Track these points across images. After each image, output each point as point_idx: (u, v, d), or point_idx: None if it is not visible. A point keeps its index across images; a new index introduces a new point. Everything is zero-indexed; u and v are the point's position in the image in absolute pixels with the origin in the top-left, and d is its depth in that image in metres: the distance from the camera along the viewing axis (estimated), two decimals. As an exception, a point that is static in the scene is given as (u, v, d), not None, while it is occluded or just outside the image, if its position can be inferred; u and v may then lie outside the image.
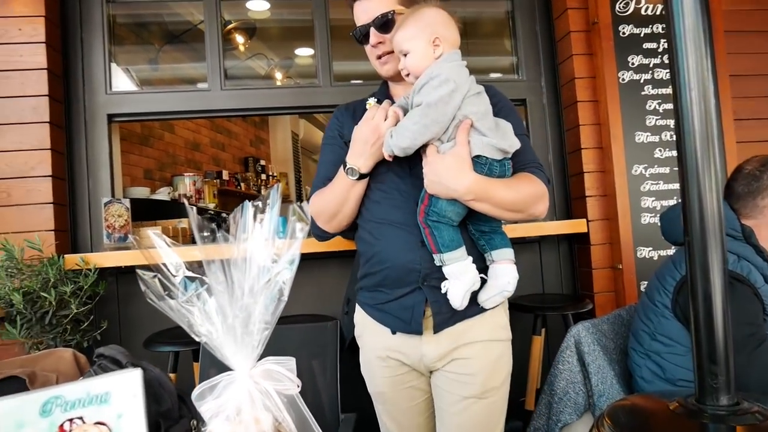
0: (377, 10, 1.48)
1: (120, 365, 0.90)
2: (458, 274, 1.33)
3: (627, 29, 2.92)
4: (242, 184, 6.34)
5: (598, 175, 2.92)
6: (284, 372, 0.79)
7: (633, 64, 2.91)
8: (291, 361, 0.81)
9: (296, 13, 3.60)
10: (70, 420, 0.74)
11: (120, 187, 2.96)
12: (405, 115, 1.37)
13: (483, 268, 1.43)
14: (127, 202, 2.68)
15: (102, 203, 2.64)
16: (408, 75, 1.41)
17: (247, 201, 0.86)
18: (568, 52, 2.98)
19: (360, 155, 1.42)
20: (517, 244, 3.10)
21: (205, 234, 3.07)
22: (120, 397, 0.77)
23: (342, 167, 1.46)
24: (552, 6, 3.13)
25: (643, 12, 2.93)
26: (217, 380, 0.78)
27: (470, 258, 1.36)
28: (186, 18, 3.64)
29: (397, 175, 1.46)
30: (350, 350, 1.76)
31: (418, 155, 1.40)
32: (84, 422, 0.75)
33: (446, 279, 1.36)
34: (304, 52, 4.55)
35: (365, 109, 1.49)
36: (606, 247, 2.90)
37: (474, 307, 1.42)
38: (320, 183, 1.56)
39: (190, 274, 0.83)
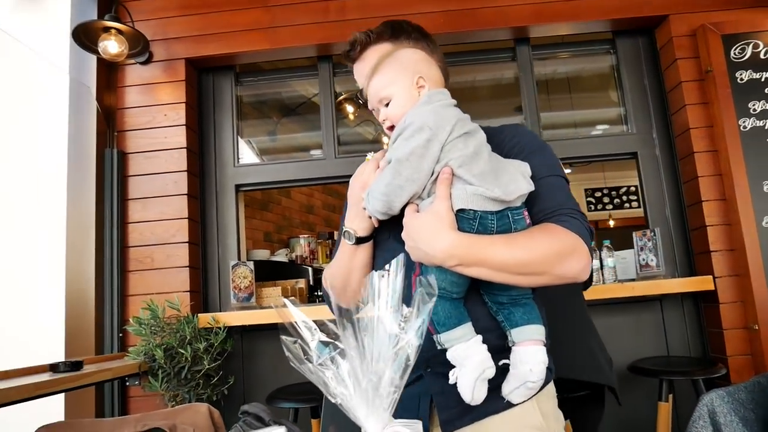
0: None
1: (263, 422, 0.99)
2: (462, 359, 1.04)
3: (745, 75, 2.79)
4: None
5: (723, 229, 2.74)
6: (412, 435, 0.83)
7: (755, 110, 2.76)
8: (418, 424, 0.85)
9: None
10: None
11: (244, 251, 3.22)
12: None
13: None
14: (251, 265, 2.91)
15: (230, 266, 2.88)
16: (391, 127, 1.20)
17: (373, 272, 0.93)
18: (680, 102, 2.89)
19: (354, 216, 1.25)
20: (637, 303, 2.97)
21: (319, 293, 3.21)
22: (266, 452, 0.85)
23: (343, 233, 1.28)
24: (660, 57, 3.07)
25: (762, 56, 2.79)
26: (349, 441, 0.84)
27: (477, 337, 1.06)
28: (300, 93, 3.97)
29: (397, 240, 1.18)
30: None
31: None
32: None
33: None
34: (408, 117, 4.74)
35: None
36: (738, 305, 2.68)
37: (496, 402, 1.09)
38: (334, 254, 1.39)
39: (325, 338, 0.91)
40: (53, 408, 2.52)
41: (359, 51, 1.32)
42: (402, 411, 1.05)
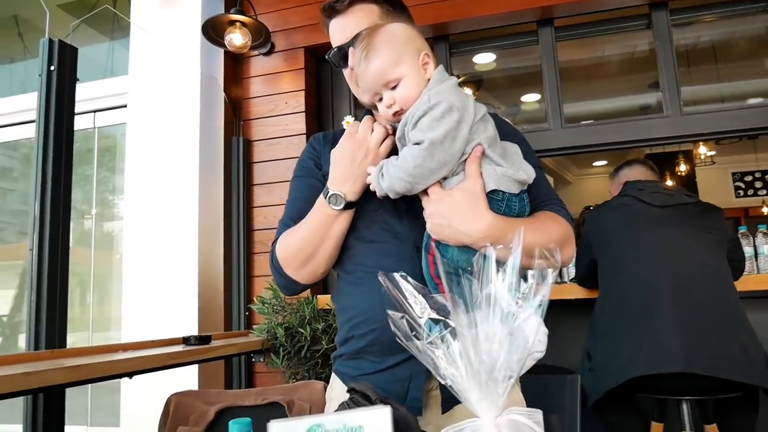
0: (356, 27, 1.21)
1: (370, 401, 0.95)
2: None
3: None
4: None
5: None
6: (531, 424, 0.75)
7: None
8: (538, 414, 0.76)
9: (522, 60, 3.62)
10: (331, 448, 0.80)
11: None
12: (394, 135, 1.13)
13: None
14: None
15: (347, 249, 2.92)
16: (399, 112, 1.09)
17: (489, 246, 0.85)
18: None
19: (345, 178, 1.14)
20: (752, 298, 2.55)
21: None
22: (372, 431, 0.81)
23: (322, 197, 1.16)
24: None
25: None
26: (461, 426, 0.77)
27: None
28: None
29: (389, 212, 1.18)
30: (592, 409, 1.62)
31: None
32: (342, 452, 0.81)
33: None
34: (530, 98, 4.54)
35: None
36: None
37: None
38: (290, 222, 1.25)
39: (435, 316, 0.85)
40: (189, 378, 2.72)
41: (347, 4, 1.23)
42: (393, 393, 1.10)
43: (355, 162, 1.13)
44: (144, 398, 3.09)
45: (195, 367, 2.68)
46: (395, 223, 1.17)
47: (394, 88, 1.07)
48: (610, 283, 2.13)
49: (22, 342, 4.05)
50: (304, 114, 2.97)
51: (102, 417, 3.89)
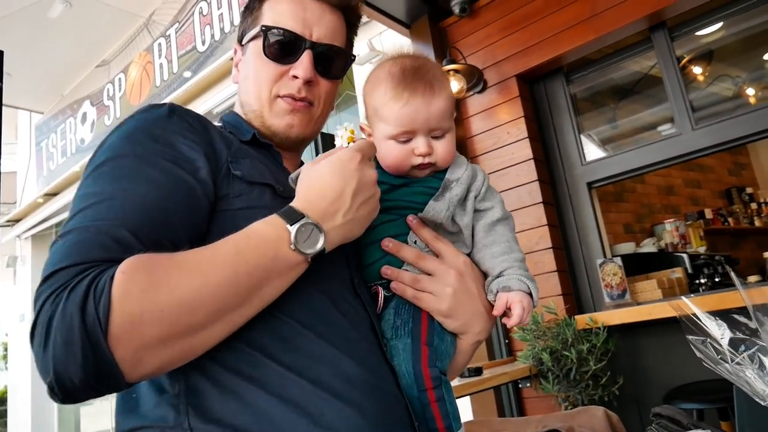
0: (331, 34, 1.00)
1: (680, 425, 0.96)
2: None
3: None
4: (729, 219, 5.69)
5: None
6: None
7: None
8: None
9: (758, 17, 3.17)
10: (653, 473, 0.83)
11: (607, 247, 3.13)
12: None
13: None
14: (618, 261, 2.81)
15: (597, 264, 2.84)
16: (427, 165, 0.95)
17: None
18: None
19: (333, 214, 0.78)
20: None
21: (702, 281, 2.88)
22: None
23: (272, 221, 0.75)
24: None
25: None
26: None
27: None
28: (634, 70, 3.69)
29: (343, 283, 0.89)
30: None
31: (376, 249, 0.94)
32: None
33: None
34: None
35: (241, 147, 0.91)
36: None
37: None
38: (129, 240, 0.69)
39: (738, 335, 0.84)
40: (463, 409, 2.89)
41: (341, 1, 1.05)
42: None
43: (356, 199, 0.80)
44: None
45: (466, 397, 2.85)
46: (344, 302, 0.85)
47: (439, 137, 0.96)
48: None
49: None
50: (527, 139, 3.03)
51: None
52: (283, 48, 0.97)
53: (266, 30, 0.98)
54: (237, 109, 1.06)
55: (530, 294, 0.94)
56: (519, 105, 3.09)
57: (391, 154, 0.96)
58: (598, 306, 2.90)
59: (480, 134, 3.22)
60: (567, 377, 2.55)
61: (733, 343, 0.88)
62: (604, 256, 2.94)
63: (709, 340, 0.86)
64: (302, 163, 1.08)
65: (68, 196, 6.31)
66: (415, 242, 0.94)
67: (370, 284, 0.95)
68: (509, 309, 0.92)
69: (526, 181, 3.00)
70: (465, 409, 2.83)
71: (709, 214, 5.46)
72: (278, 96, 0.98)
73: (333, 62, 1.01)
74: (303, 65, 0.96)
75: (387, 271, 0.92)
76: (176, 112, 0.86)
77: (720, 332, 0.89)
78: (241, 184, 0.84)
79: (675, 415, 0.95)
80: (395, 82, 0.94)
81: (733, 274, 0.93)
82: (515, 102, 3.10)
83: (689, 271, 3.60)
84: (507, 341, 2.95)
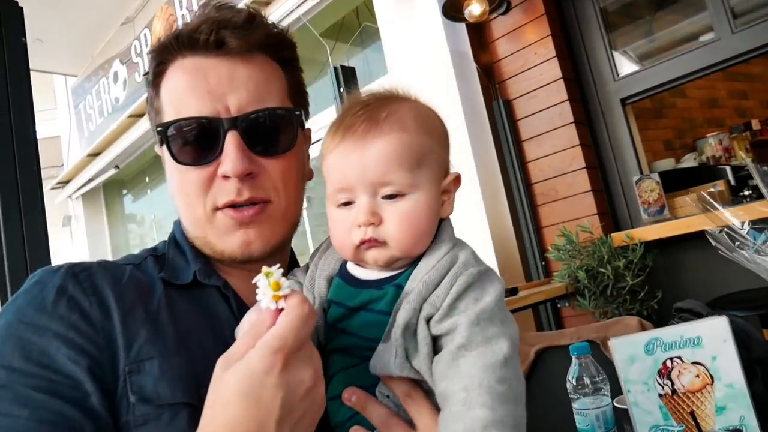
0: (257, 94, 0.74)
1: (700, 316, 0.98)
2: None
3: None
4: (777, 130, 5.43)
5: None
6: None
7: None
8: None
9: None
10: (671, 359, 0.87)
11: (645, 164, 3.07)
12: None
13: None
14: (656, 176, 2.76)
15: (633, 182, 2.80)
16: (374, 243, 0.65)
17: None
18: None
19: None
20: None
21: (747, 193, 2.81)
22: (711, 341, 0.85)
23: None
24: None
25: None
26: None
27: None
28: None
29: None
30: None
31: None
32: (682, 361, 0.87)
33: None
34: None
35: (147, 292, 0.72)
36: None
37: None
38: None
39: (759, 225, 0.85)
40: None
41: (247, 42, 0.79)
42: None
43: (284, 426, 0.55)
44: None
45: (507, 318, 2.91)
46: None
47: (392, 197, 0.65)
48: None
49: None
50: (556, 59, 2.94)
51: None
52: (197, 143, 0.72)
53: (165, 130, 0.72)
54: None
55: None
56: (545, 24, 2.99)
57: (332, 228, 0.68)
58: (636, 224, 2.88)
59: (506, 57, 3.14)
60: (603, 293, 2.58)
61: (754, 233, 0.89)
62: (641, 174, 2.89)
63: (725, 230, 0.87)
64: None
65: (111, 153, 6.52)
66: (388, 396, 0.64)
67: None
68: None
69: (557, 101, 2.94)
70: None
71: (756, 125, 5.22)
72: (217, 209, 0.73)
73: (275, 131, 0.74)
74: (229, 156, 0.70)
75: (350, 394, 0.64)
76: (66, 293, 0.66)
77: (739, 224, 0.90)
78: (144, 407, 0.63)
79: (695, 307, 0.98)
80: (336, 120, 0.69)
81: None
82: (541, 21, 3.00)
83: (732, 183, 3.50)
84: (543, 263, 2.98)
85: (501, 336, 0.58)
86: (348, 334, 0.65)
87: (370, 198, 0.64)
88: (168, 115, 0.74)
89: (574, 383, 1.07)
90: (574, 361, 1.09)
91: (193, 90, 0.72)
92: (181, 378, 0.65)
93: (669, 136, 4.65)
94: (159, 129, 0.73)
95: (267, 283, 0.56)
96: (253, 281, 0.57)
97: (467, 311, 0.59)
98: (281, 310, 0.56)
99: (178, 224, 0.82)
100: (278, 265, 0.57)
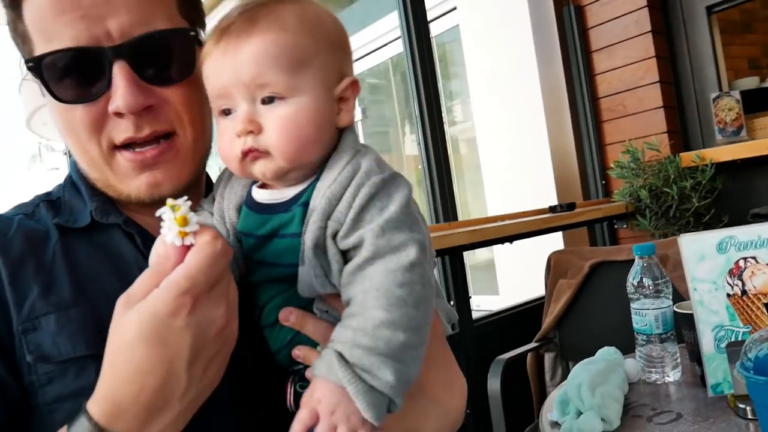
0: (141, 12, 0.64)
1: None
2: None
3: None
4: None
5: None
6: None
7: None
8: None
9: None
10: (744, 258, 0.83)
11: (725, 82, 2.84)
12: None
13: None
14: (737, 94, 2.57)
15: (710, 99, 2.61)
16: (254, 153, 0.60)
17: None
18: None
19: (159, 411, 0.53)
20: None
21: None
22: (792, 242, 0.80)
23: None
24: None
25: None
26: None
27: None
28: None
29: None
30: None
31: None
32: (757, 262, 0.82)
33: None
34: None
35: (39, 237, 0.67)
36: None
37: None
38: None
39: None
40: (554, 246, 2.94)
41: None
42: None
43: (196, 368, 0.53)
44: (515, 268, 3.48)
45: (558, 235, 2.87)
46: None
47: (269, 101, 0.60)
48: None
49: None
50: (637, -41, 2.69)
51: (480, 289, 4.54)
52: (79, 78, 0.63)
53: (37, 65, 0.63)
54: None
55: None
56: None
57: (218, 141, 0.64)
58: (708, 144, 2.72)
59: (583, -42, 2.90)
60: (666, 214, 2.49)
61: None
62: (720, 90, 2.69)
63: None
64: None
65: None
66: (327, 312, 0.63)
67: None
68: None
69: (633, 8, 2.71)
70: (556, 243, 2.86)
71: None
72: (114, 148, 0.66)
73: (169, 55, 0.66)
74: (120, 91, 0.62)
75: (299, 352, 0.62)
76: None
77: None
78: (45, 365, 0.60)
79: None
80: (216, 23, 0.62)
81: None
82: None
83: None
84: (603, 182, 2.88)
85: (408, 242, 0.56)
86: (268, 264, 0.63)
87: (248, 105, 0.59)
88: (38, 46, 0.64)
89: (635, 284, 1.05)
90: (637, 261, 1.06)
91: (62, 13, 0.61)
92: (84, 329, 0.61)
93: (756, 53, 4.27)
94: (30, 64, 0.63)
95: (173, 216, 0.51)
96: (157, 214, 0.52)
97: (372, 223, 0.56)
98: (188, 246, 0.51)
99: (74, 163, 0.73)
100: (185, 198, 0.52)
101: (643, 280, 1.04)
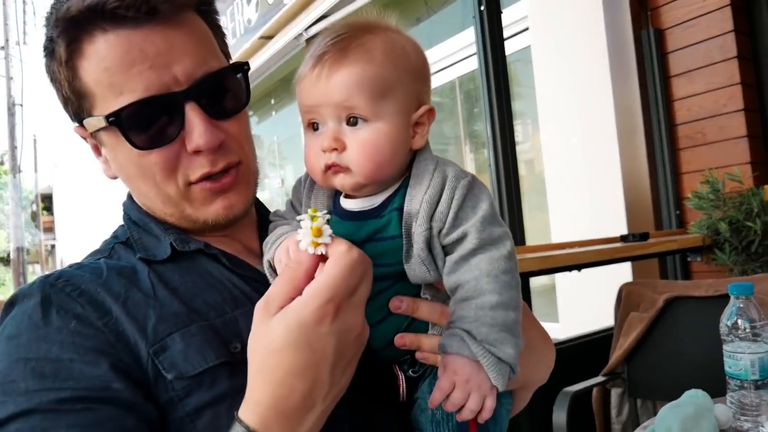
0: (198, 56, 0.70)
1: None
2: None
3: None
4: None
5: None
6: None
7: None
8: None
9: None
10: None
11: (816, 111, 2.68)
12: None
13: None
14: (830, 125, 2.41)
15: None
16: (336, 169, 0.66)
17: None
18: None
19: (308, 411, 0.57)
20: None
21: None
22: None
23: None
24: None
25: None
26: None
27: None
28: None
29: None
30: None
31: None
32: None
33: None
34: None
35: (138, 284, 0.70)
36: None
37: None
38: None
39: None
40: (623, 277, 2.83)
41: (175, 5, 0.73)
42: None
43: (336, 370, 0.58)
44: (579, 296, 3.37)
45: (626, 265, 2.76)
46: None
47: (353, 123, 0.66)
48: None
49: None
50: (724, -19, 2.59)
51: (539, 315, 4.41)
52: (157, 124, 0.69)
53: (116, 118, 0.68)
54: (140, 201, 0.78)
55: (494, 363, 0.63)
56: (719, -59, 2.61)
57: (305, 152, 0.69)
58: (797, 178, 2.57)
59: (664, -20, 2.82)
60: (747, 249, 2.35)
61: None
62: (811, 121, 2.54)
63: None
64: (265, 217, 0.81)
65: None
66: (433, 296, 0.70)
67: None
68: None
69: (718, 32, 2.61)
70: (624, 273, 2.75)
71: None
72: (190, 183, 0.72)
73: (227, 92, 0.73)
74: (197, 130, 0.68)
75: (403, 340, 0.68)
76: (53, 305, 0.65)
77: None
78: (183, 381, 0.63)
79: None
80: (311, 49, 0.68)
81: None
82: (712, -63, 2.63)
83: None
84: (678, 212, 2.76)
85: (504, 236, 0.65)
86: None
87: (335, 123, 0.66)
88: (106, 100, 0.68)
89: (729, 325, 0.98)
90: (733, 301, 1.00)
91: (131, 66, 0.66)
92: (207, 341, 0.65)
93: None
94: (111, 119, 0.67)
95: (309, 225, 0.56)
96: (297, 219, 0.58)
97: (471, 219, 0.65)
98: (319, 256, 0.56)
99: (130, 205, 0.79)
100: (325, 211, 0.58)
101: (739, 321, 0.98)
